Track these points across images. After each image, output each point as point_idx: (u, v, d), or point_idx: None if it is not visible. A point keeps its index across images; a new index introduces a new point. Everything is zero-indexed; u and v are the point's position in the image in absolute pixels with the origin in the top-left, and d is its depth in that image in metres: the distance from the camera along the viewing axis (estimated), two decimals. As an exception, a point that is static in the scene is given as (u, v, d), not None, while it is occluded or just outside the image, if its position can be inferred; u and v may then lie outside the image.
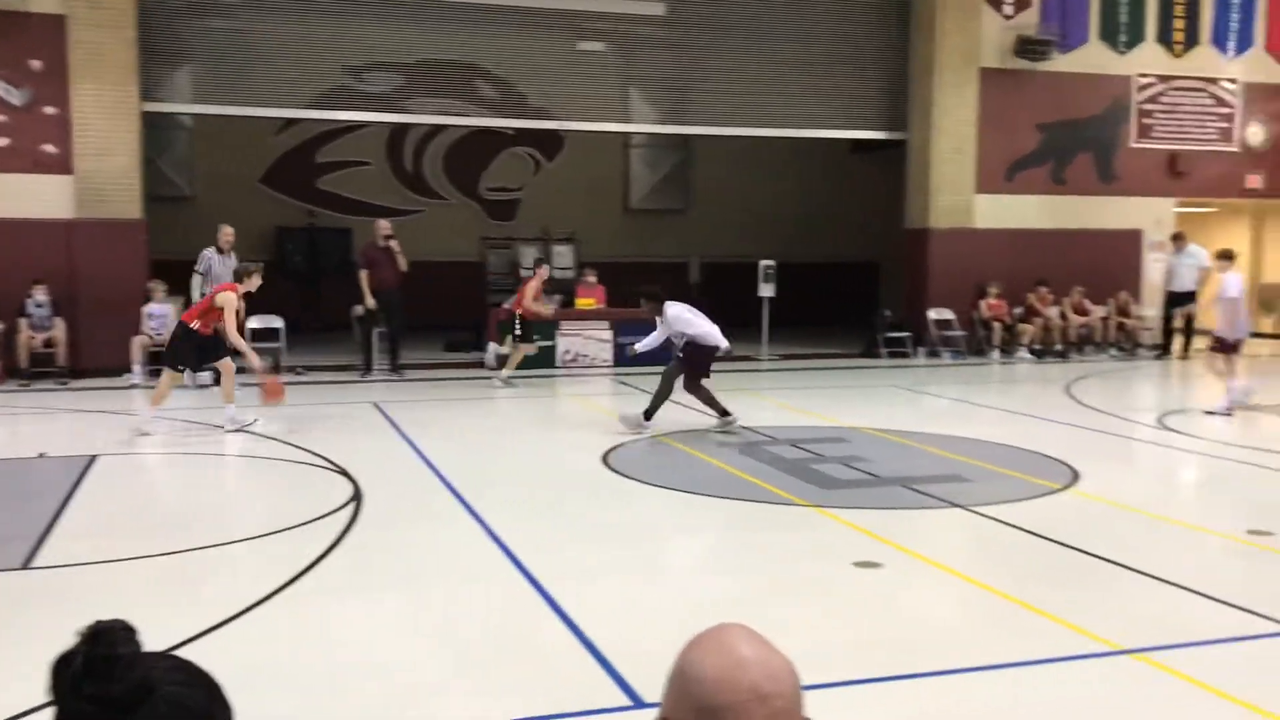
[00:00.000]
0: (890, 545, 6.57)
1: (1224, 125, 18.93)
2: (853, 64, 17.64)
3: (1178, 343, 17.84)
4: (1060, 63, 17.75)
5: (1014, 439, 10.32)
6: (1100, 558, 6.30)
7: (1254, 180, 19.18)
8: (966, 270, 17.46)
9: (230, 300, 10.00)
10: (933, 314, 17.39)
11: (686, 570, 6.16)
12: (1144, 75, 18.36)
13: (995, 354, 17.26)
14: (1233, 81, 18.89)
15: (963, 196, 17.53)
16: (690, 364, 10.60)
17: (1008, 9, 17.48)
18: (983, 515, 7.33)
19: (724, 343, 10.80)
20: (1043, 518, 7.26)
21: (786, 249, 20.36)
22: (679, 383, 10.64)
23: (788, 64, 17.28)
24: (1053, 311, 17.60)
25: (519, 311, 14.07)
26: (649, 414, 10.51)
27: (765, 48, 17.18)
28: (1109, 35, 18.11)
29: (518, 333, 14.03)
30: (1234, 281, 12.32)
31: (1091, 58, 18.04)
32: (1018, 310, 17.64)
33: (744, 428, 10.75)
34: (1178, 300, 17.63)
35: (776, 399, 13.19)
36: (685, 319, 10.60)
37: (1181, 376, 16.13)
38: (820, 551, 6.56)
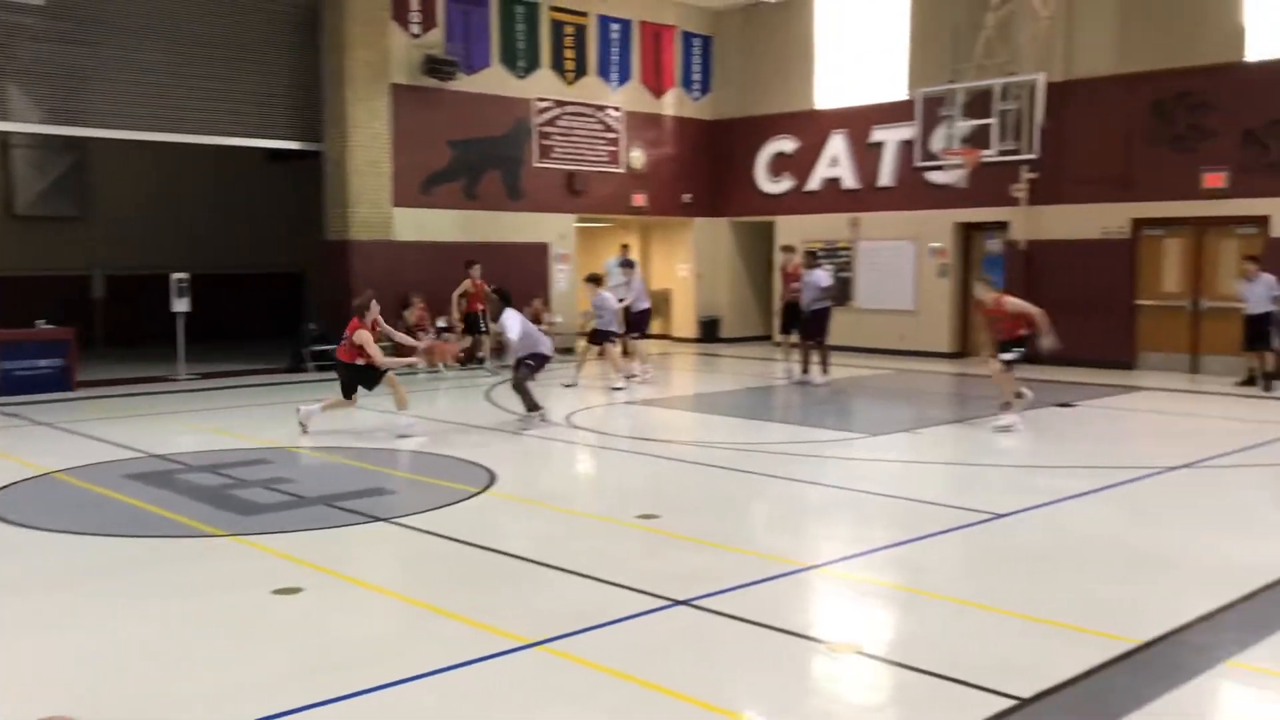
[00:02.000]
0: (312, 567, 6.46)
1: (612, 149, 21.00)
2: (263, 71, 17.18)
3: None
4: (466, 83, 18.62)
5: (436, 447, 10.65)
6: (512, 555, 6.69)
7: (639, 199, 21.49)
8: (389, 282, 17.64)
9: (365, 338, 11.29)
10: (358, 326, 17.38)
11: (87, 622, 5.59)
12: (542, 100, 19.83)
13: (421, 363, 17.64)
14: (617, 109, 21.02)
15: (381, 209, 17.76)
16: (533, 368, 12.06)
17: (415, 28, 17.99)
18: (404, 526, 7.46)
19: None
20: (461, 523, 7.56)
21: (204, 260, 19.39)
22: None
23: (192, 67, 16.40)
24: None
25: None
26: (532, 406, 11.90)
27: (166, 49, 16.17)
28: (509, 60, 19.32)
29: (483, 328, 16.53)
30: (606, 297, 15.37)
31: (494, 80, 19.14)
32: (441, 320, 18.20)
33: (155, 456, 10.04)
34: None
35: (195, 422, 12.45)
36: (520, 330, 11.94)
37: (601, 375, 17.60)
38: (237, 582, 6.27)
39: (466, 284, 17.16)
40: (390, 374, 11.62)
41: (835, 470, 9.72)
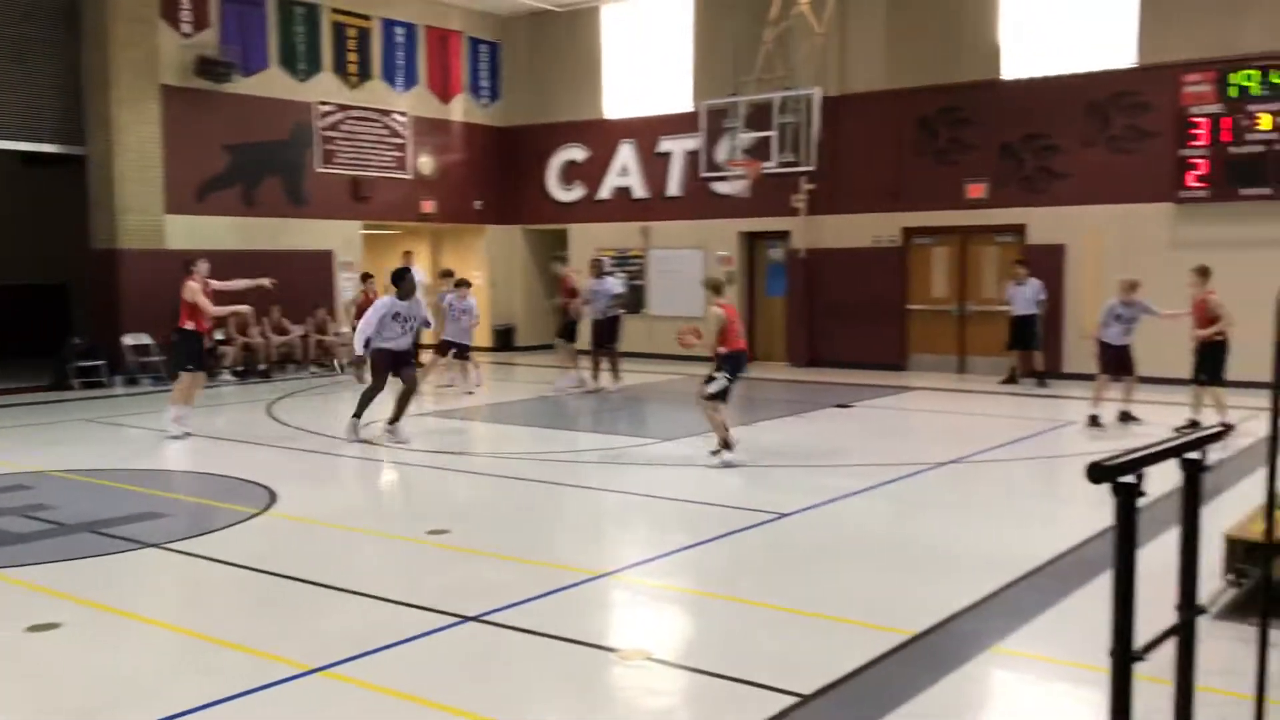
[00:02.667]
0: (73, 600, 6.04)
1: (399, 154, 20.61)
2: (17, 69, 16.01)
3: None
4: (243, 85, 17.91)
5: (215, 466, 10.16)
6: (294, 578, 6.43)
7: (428, 205, 21.16)
8: (162, 293, 16.76)
9: (193, 288, 11.58)
10: (129, 339, 16.50)
11: None
12: (324, 103, 19.27)
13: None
14: (403, 114, 20.64)
15: (152, 216, 16.88)
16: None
17: (185, 27, 17.17)
18: (178, 552, 7.07)
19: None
20: (238, 546, 7.23)
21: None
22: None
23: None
24: (253, 332, 17.70)
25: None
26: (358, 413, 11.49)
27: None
28: (288, 62, 18.68)
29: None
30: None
31: (273, 83, 18.47)
32: (219, 332, 17.44)
33: (-107, 486, 9.19)
34: None
35: (-60, 447, 11.46)
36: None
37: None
38: (-13, 621, 5.80)
39: (358, 295, 16.33)
40: (190, 374, 11.80)
41: (628, 476, 9.81)
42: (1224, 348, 11.46)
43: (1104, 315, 12.20)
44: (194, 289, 11.56)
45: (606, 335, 15.78)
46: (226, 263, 17.35)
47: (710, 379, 10.01)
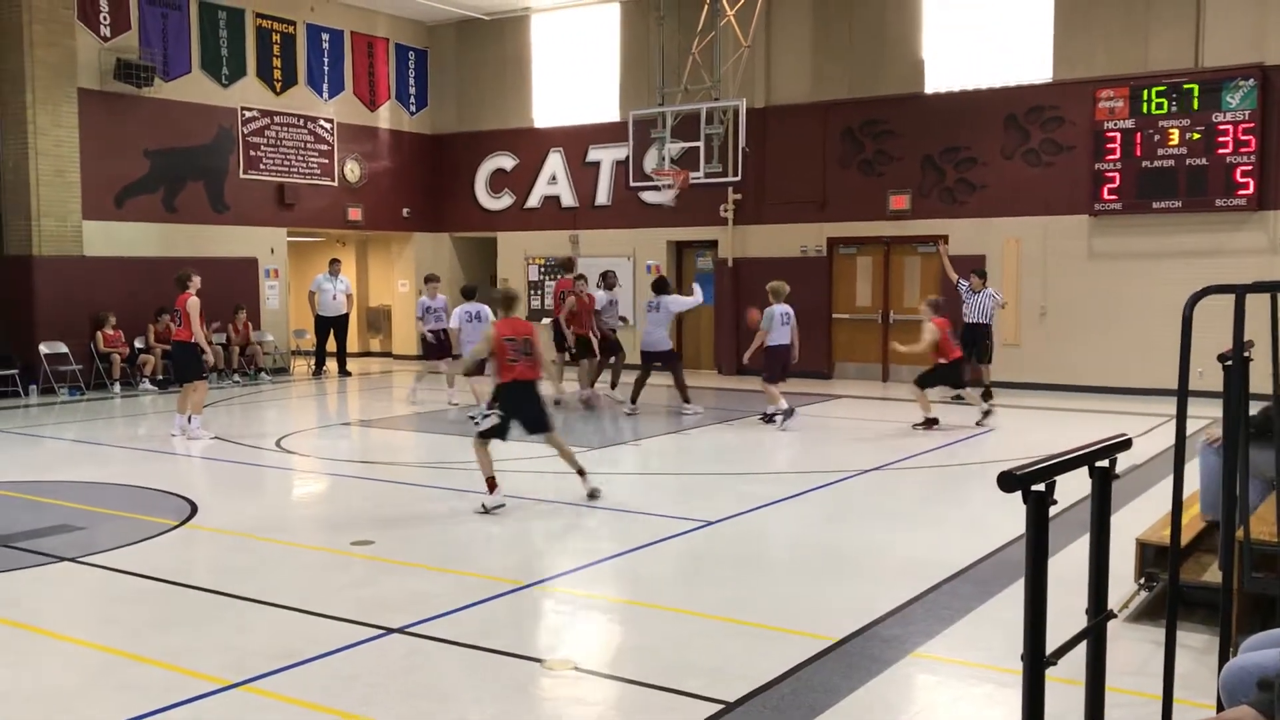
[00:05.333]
0: (-17, 618, 5.87)
1: (325, 161, 20.36)
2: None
3: (332, 362, 19.67)
4: (165, 90, 17.59)
5: (134, 477, 9.95)
6: (214, 591, 6.32)
7: (355, 213, 20.94)
8: (80, 300, 16.47)
9: (194, 305, 11.88)
10: (45, 348, 16.10)
11: None
12: (248, 109, 18.98)
13: (117, 387, 16.53)
14: (329, 121, 20.41)
15: (69, 222, 16.48)
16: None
17: (105, 30, 16.82)
18: (93, 565, 6.92)
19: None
20: (157, 559, 7.09)
21: None
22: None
23: None
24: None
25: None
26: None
27: None
28: (211, 67, 18.38)
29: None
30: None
31: (196, 87, 18.17)
32: (139, 341, 17.13)
33: None
34: (331, 323, 19.29)
35: None
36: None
37: (314, 397, 16.98)
38: (-108, 641, 5.61)
39: (571, 301, 14.50)
40: (203, 382, 12.21)
41: (556, 484, 9.78)
42: (945, 367, 12.94)
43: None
44: (195, 305, 11.95)
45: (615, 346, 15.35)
46: (148, 269, 17.08)
47: (484, 414, 8.57)
